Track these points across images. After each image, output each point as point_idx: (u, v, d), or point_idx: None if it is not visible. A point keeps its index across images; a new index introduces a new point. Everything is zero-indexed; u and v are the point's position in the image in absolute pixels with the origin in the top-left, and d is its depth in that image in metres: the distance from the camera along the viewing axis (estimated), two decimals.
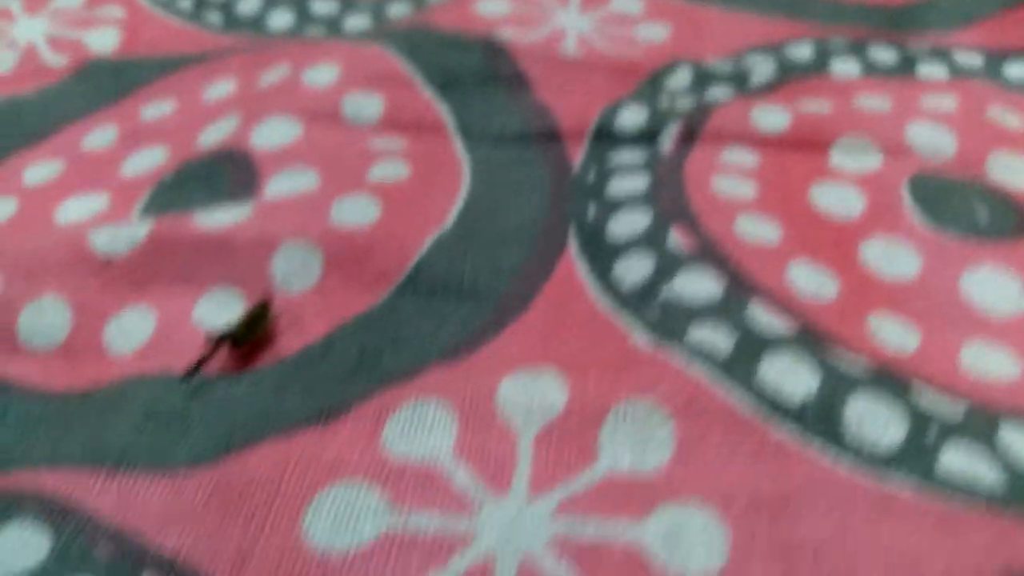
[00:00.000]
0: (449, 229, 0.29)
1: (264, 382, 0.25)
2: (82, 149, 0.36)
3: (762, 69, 0.37)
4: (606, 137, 0.33)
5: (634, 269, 0.27)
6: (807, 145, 0.32)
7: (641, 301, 0.26)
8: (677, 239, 0.27)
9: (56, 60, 0.40)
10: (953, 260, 0.27)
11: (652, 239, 0.28)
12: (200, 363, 0.25)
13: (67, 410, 0.25)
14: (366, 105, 0.34)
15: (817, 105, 0.34)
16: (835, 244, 0.28)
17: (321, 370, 0.25)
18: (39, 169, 0.35)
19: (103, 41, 0.41)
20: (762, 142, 0.32)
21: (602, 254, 0.28)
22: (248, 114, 0.34)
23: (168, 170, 0.33)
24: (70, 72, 0.39)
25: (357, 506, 0.21)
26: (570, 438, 0.22)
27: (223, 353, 0.26)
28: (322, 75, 0.36)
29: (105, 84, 0.39)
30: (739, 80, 0.36)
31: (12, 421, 0.24)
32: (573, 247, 0.29)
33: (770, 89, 0.35)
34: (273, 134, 0.33)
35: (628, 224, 0.29)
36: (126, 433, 0.23)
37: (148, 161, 0.34)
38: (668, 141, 0.33)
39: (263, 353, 0.26)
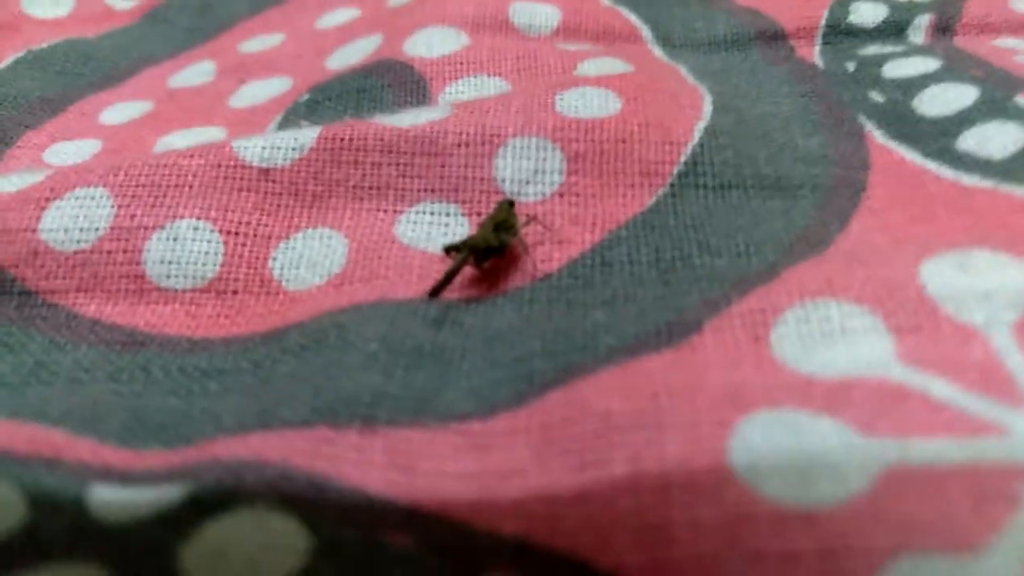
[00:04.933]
0: (711, 120, 0.22)
1: (531, 306, 0.17)
2: (170, 87, 0.28)
3: None
4: (843, 34, 0.27)
5: (994, 139, 0.20)
6: None
7: None
8: None
9: (121, 3, 0.33)
10: None
11: (996, 108, 0.21)
12: (447, 280, 0.17)
13: (250, 358, 0.16)
14: (538, 13, 0.28)
15: None
16: None
17: (611, 285, 0.17)
18: (121, 110, 0.27)
19: None
20: None
21: (927, 134, 0.21)
22: (393, 30, 0.27)
23: (297, 94, 0.26)
24: (140, 15, 0.32)
25: (807, 438, 0.13)
26: None
27: (462, 274, 0.18)
28: None
29: (186, 24, 0.31)
30: None
31: (167, 382, 0.16)
32: (875, 133, 0.22)
33: None
34: (433, 44, 0.26)
35: (949, 100, 0.22)
36: (369, 377, 0.15)
37: (266, 91, 0.27)
38: (920, 33, 0.27)
39: (511, 272, 0.18)
